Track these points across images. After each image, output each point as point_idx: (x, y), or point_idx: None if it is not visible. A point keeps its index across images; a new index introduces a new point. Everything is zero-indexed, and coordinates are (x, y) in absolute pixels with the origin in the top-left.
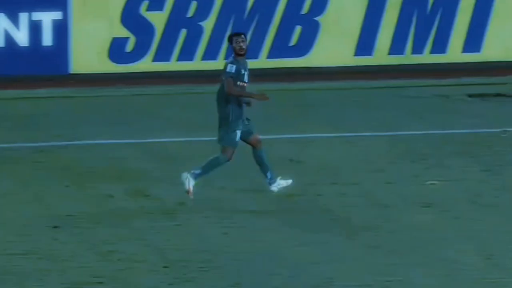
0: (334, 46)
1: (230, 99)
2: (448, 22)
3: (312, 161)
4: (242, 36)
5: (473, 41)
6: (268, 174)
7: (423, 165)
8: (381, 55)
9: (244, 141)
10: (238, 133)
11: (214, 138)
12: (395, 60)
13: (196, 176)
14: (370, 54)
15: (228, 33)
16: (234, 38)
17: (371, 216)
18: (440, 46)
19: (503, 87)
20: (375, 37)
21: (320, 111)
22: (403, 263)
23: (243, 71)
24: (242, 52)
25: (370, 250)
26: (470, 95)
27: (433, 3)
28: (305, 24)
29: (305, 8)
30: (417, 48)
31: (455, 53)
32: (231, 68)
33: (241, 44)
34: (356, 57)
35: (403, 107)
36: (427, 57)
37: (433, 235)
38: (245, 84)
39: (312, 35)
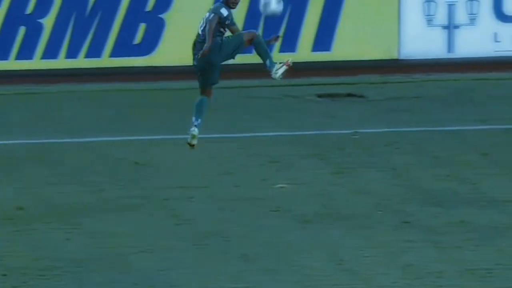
0: (179, 45)
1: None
2: (297, 21)
3: (158, 164)
4: None
5: (323, 40)
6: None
7: (273, 167)
8: None
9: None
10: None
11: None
12: (241, 59)
13: (199, 125)
14: None
15: None
16: None
17: (219, 221)
18: (289, 45)
19: (354, 87)
20: None
21: (160, 111)
22: (253, 268)
23: (229, 19)
24: (234, 6)
25: (219, 255)
26: (320, 95)
27: None
28: (150, 21)
29: (150, 5)
30: None
31: (305, 52)
32: (225, 11)
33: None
34: None
35: (252, 108)
36: (275, 56)
37: (283, 240)
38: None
39: (157, 33)
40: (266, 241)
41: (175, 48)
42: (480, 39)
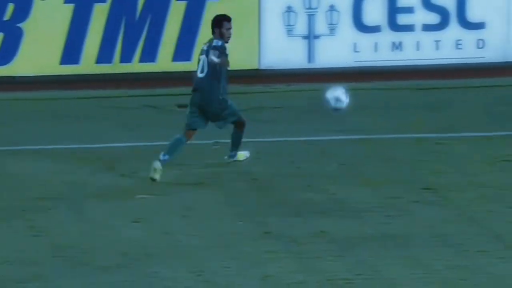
0: (38, 54)
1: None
2: (157, 30)
3: (16, 174)
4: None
5: (183, 50)
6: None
7: (133, 178)
8: (88, 64)
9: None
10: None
11: None
12: (103, 69)
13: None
14: (77, 63)
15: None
16: (226, 23)
17: (78, 232)
18: (149, 55)
19: None
20: (82, 44)
21: (19, 121)
22: (112, 280)
23: (227, 51)
24: (228, 41)
25: (78, 267)
26: (180, 106)
27: (142, 11)
28: (7, 31)
29: (8, 14)
30: (126, 57)
31: (165, 62)
32: (219, 43)
33: (231, 31)
34: (62, 65)
35: (112, 118)
36: (135, 66)
37: (143, 251)
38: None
39: (15, 43)
40: (125, 252)
41: (33, 57)
42: (339, 49)
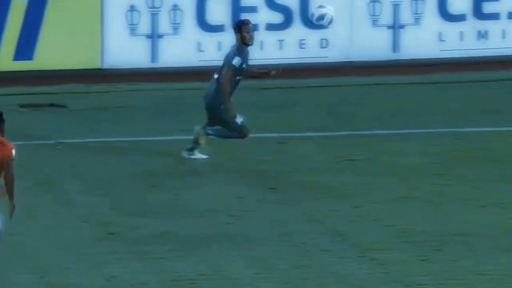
0: None
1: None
2: None
3: None
4: (251, 24)
5: (25, 49)
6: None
7: None
8: None
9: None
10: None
11: None
12: None
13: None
14: None
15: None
16: (245, 27)
17: None
18: None
19: (56, 97)
20: None
21: None
22: None
23: (244, 66)
24: (252, 43)
25: None
26: (22, 105)
27: None
28: None
29: None
30: None
31: (6, 61)
32: (237, 62)
33: (252, 33)
34: None
35: None
36: None
37: None
38: (241, 77)
39: None
40: None
41: None
42: (183, 48)
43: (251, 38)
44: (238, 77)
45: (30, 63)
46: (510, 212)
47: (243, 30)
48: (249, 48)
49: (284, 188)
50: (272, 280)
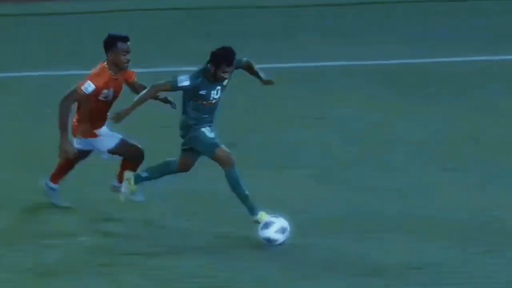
0: None
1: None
2: None
3: None
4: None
5: None
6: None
7: None
8: None
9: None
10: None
11: None
12: None
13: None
14: None
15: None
16: (225, 67)
17: None
18: None
19: None
20: None
21: None
22: None
23: (202, 92)
24: (222, 80)
25: None
26: None
27: None
28: None
29: None
30: None
31: None
32: (185, 81)
33: (227, 76)
34: None
35: None
36: None
37: None
38: (207, 102)
39: None
40: None
41: None
42: None
43: (223, 77)
44: (194, 101)
45: None
46: None
47: (220, 66)
48: None
49: None
50: None
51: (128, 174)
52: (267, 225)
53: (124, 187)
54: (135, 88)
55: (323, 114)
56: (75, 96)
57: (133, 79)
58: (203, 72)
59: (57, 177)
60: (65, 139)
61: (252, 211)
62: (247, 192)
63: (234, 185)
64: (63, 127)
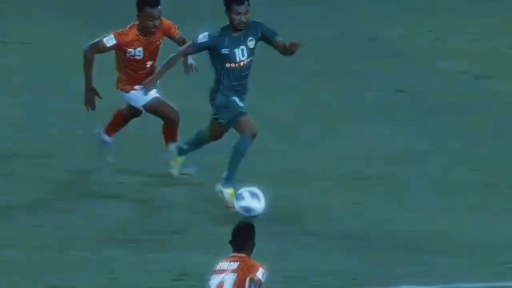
0: None
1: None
2: None
3: None
4: (246, 3)
5: None
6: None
7: None
8: None
9: None
10: None
11: None
12: None
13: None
14: None
15: None
16: (235, 6)
17: None
18: None
19: None
20: None
21: None
22: None
23: (225, 50)
24: (241, 27)
25: None
26: None
27: None
28: None
29: None
30: None
31: None
32: (202, 38)
33: (242, 17)
34: None
35: None
36: None
37: None
38: (234, 65)
39: None
40: None
41: None
42: None
43: (240, 23)
44: (229, 64)
45: None
46: None
47: (231, 9)
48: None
49: None
50: None
51: (172, 147)
52: (240, 196)
53: (172, 162)
54: (177, 41)
55: None
56: (97, 47)
57: (171, 33)
58: (222, 28)
59: (110, 130)
60: (88, 87)
61: (229, 182)
62: (239, 166)
63: (237, 153)
64: (85, 74)
